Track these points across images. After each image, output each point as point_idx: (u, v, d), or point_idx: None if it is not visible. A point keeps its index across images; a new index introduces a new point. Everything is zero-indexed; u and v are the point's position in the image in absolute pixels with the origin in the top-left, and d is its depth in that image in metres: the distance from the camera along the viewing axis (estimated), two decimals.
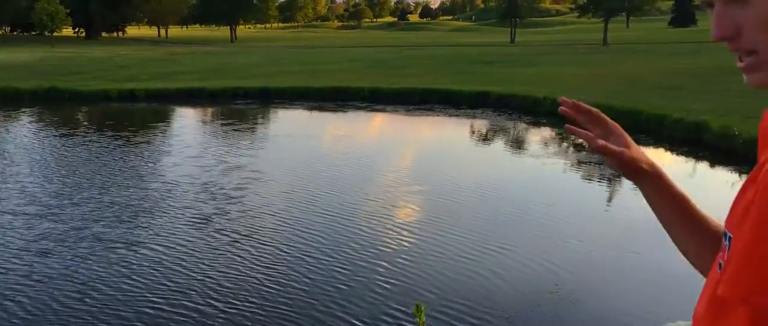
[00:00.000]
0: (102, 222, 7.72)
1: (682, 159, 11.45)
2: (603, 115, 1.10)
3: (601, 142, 1.05)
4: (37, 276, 6.06)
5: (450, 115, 17.00)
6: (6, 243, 6.95)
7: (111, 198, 8.87)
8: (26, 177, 10.12)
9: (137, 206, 8.44)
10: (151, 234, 7.26)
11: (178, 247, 6.79)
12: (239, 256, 6.52)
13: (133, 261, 6.41)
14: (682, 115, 12.17)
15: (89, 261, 6.43)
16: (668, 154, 11.89)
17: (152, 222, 7.76)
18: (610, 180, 10.10)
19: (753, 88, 0.80)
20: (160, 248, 6.77)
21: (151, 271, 6.15)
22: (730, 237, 0.76)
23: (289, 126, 17.16)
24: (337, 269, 6.16)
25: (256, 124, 17.26)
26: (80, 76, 24.80)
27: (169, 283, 5.87)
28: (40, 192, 9.18)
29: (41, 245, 6.90)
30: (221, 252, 6.67)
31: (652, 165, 1.06)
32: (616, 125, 1.09)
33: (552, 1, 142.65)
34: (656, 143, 12.40)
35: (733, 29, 0.77)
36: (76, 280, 5.96)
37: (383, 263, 6.30)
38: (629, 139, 1.08)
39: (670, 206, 1.05)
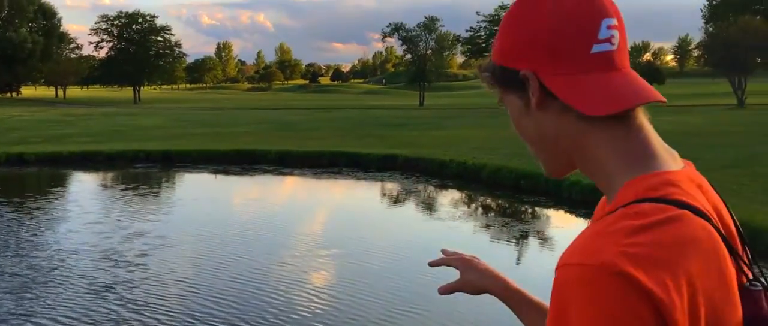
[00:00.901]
0: None
1: (580, 220, 11.82)
2: (459, 255, 1.30)
3: (442, 287, 1.29)
4: None
5: (358, 178, 16.99)
6: None
7: (2, 268, 8.27)
8: None
9: (29, 276, 7.90)
10: (44, 306, 6.80)
11: (75, 319, 6.37)
12: None
13: None
14: (579, 178, 12.63)
15: None
16: (567, 215, 12.28)
17: (46, 292, 7.27)
18: (517, 240, 10.28)
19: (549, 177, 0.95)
20: (55, 321, 6.33)
21: None
22: None
23: (194, 190, 16.63)
24: None
25: (158, 188, 16.61)
26: None
27: None
28: None
29: None
30: (123, 323, 6.30)
31: (494, 282, 1.24)
32: (470, 259, 1.28)
33: (459, 66, 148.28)
34: (556, 205, 12.80)
35: None
36: None
37: None
38: (479, 265, 1.27)
39: (522, 308, 1.21)
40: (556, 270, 0.72)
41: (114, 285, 7.49)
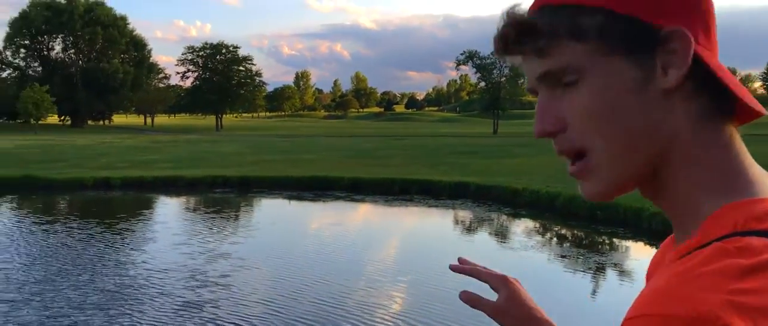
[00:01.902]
0: (85, 309, 7.62)
1: None
2: (493, 272, 1.04)
3: (466, 295, 1.02)
4: None
5: (430, 206, 16.91)
6: None
7: (94, 285, 8.75)
8: (3, 264, 9.98)
9: (121, 293, 8.34)
10: (135, 322, 7.18)
11: None
12: None
13: None
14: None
15: None
16: (647, 247, 11.77)
17: (137, 309, 7.67)
18: (593, 272, 9.93)
19: (592, 200, 0.66)
20: None
21: None
22: None
23: (271, 214, 17.06)
24: None
25: (237, 212, 17.08)
26: (58, 163, 24.62)
27: None
28: (18, 279, 9.11)
29: None
30: None
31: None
32: (512, 284, 1.01)
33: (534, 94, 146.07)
34: (635, 236, 12.32)
35: (558, 123, 0.65)
36: None
37: None
38: (523, 303, 0.99)
39: None
40: (625, 322, 0.55)
41: (199, 304, 7.82)
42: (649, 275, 0.78)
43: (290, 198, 18.55)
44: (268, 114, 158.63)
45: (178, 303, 7.89)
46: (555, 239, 13.40)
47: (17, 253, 10.89)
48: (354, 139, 44.91)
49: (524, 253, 11.30)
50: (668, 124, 0.61)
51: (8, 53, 77.42)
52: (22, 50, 78.08)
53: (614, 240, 12.50)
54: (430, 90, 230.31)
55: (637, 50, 0.61)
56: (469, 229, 14.52)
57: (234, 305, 7.84)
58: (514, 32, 0.65)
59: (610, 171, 0.63)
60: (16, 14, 76.46)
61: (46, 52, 79.12)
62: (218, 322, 7.17)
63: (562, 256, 11.37)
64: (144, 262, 10.24)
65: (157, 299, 8.06)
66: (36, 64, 79.16)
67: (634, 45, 0.60)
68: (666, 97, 0.61)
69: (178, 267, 9.71)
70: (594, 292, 9.24)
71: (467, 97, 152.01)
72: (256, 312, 7.52)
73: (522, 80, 69.97)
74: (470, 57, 61.27)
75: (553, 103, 0.65)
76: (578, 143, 0.63)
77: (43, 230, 13.06)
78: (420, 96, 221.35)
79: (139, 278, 9.14)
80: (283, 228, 14.53)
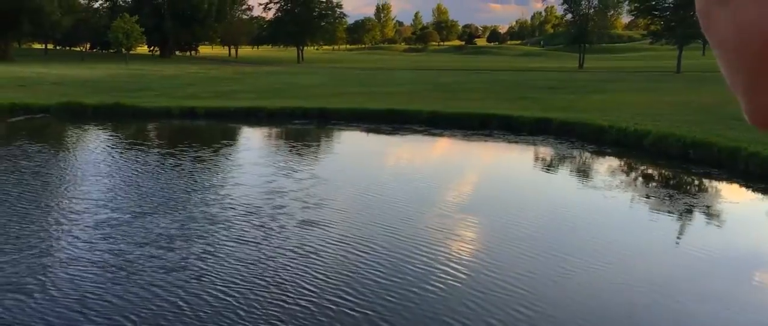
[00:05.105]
0: (209, 221, 8.42)
1: (758, 196, 10.64)
2: None
3: None
4: (132, 281, 6.19)
5: (509, 141, 16.50)
6: (91, 257, 7.15)
7: (219, 202, 9.30)
8: (107, 186, 10.61)
9: (236, 209, 9.00)
10: (255, 234, 7.60)
11: (255, 245, 6.96)
12: (343, 256, 6.57)
13: (240, 257, 6.84)
14: (759, 149, 11.34)
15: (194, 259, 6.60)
16: (743, 189, 11.10)
17: (254, 223, 8.16)
18: (680, 214, 9.47)
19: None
20: (232, 241, 7.06)
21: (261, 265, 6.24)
22: None
23: (353, 146, 17.22)
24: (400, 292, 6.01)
25: (318, 143, 17.29)
26: (147, 92, 25.52)
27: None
28: (149, 193, 10.03)
29: (130, 255, 7.09)
30: (319, 255, 6.76)
31: None
32: None
33: (624, 27, 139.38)
34: (730, 178, 11.61)
35: None
36: (179, 281, 6.05)
37: (441, 290, 6.15)
38: None
39: None
40: None
41: (314, 222, 8.33)
42: None
43: (368, 131, 18.53)
44: (348, 46, 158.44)
45: (295, 222, 8.39)
46: (642, 179, 12.82)
47: (114, 177, 11.44)
48: (433, 72, 44.28)
49: (608, 193, 10.83)
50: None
51: None
52: None
53: (706, 181, 11.82)
54: (513, 23, 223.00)
55: None
56: (550, 166, 14.09)
57: (343, 224, 8.32)
58: None
59: (741, 94, 0.49)
60: None
61: None
62: (328, 238, 7.47)
63: (649, 196, 10.85)
64: (252, 185, 10.70)
65: (250, 219, 8.46)
66: None
67: None
68: None
69: (283, 190, 10.21)
70: (680, 235, 8.79)
71: (552, 31, 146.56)
72: (363, 230, 7.67)
73: (611, 12, 66.43)
74: None
75: None
76: None
77: (152, 153, 13.86)
78: (502, 29, 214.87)
79: (250, 197, 9.72)
80: (367, 159, 14.63)
